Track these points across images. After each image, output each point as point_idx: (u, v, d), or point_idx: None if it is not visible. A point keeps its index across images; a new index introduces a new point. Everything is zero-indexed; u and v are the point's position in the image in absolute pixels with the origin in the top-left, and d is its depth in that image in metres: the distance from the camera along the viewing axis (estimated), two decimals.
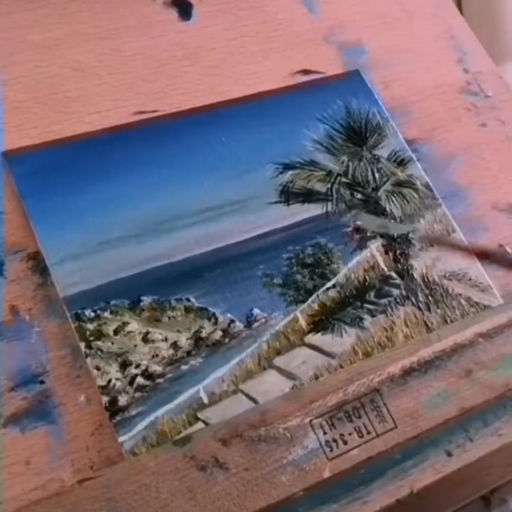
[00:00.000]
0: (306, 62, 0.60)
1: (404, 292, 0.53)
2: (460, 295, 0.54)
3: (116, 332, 0.47)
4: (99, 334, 0.46)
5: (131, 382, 0.46)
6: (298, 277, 0.51)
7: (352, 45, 0.62)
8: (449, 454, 0.48)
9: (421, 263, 0.54)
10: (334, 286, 0.52)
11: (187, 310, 0.49)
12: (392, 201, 0.56)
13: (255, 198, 0.53)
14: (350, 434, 0.47)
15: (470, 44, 0.66)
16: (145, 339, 0.47)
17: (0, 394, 0.43)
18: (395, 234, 0.55)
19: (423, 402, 0.48)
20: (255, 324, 0.49)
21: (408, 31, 0.65)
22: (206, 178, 0.53)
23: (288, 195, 0.54)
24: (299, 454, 0.45)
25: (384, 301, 0.52)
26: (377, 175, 0.57)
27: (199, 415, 0.46)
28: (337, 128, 0.57)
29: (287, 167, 0.55)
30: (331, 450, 0.46)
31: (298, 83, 0.59)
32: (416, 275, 0.54)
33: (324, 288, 0.52)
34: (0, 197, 0.49)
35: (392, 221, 0.55)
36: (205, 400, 0.46)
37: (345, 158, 0.57)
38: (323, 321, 0.51)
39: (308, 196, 0.54)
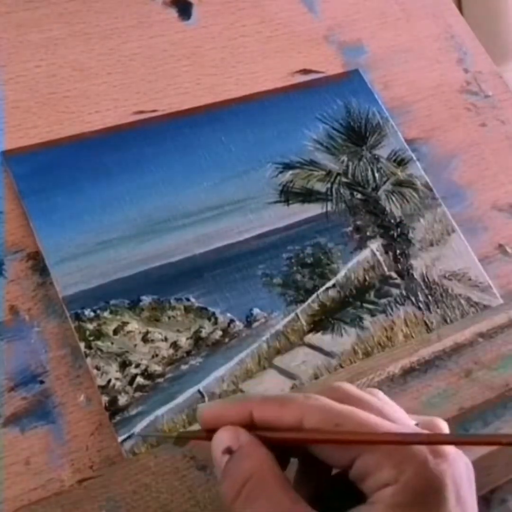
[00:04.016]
0: (306, 62, 0.60)
1: (404, 292, 0.53)
2: (460, 295, 0.54)
3: (115, 332, 0.47)
4: (99, 334, 0.46)
5: (131, 382, 0.45)
6: (298, 277, 0.51)
7: (352, 45, 0.62)
8: None
9: (421, 263, 0.54)
10: (334, 286, 0.52)
11: (187, 309, 0.49)
12: (392, 201, 0.56)
13: (254, 198, 0.53)
14: None
15: (470, 44, 0.66)
16: (145, 339, 0.47)
17: None
18: (395, 234, 0.55)
19: (423, 402, 0.48)
20: (255, 324, 0.49)
21: (408, 31, 0.65)
22: (206, 178, 0.53)
23: (288, 194, 0.54)
24: None
25: (384, 301, 0.52)
26: (377, 175, 0.57)
27: None
28: (337, 127, 0.57)
29: (287, 166, 0.55)
30: None
31: (298, 82, 0.59)
32: (416, 275, 0.53)
33: (324, 288, 0.52)
34: None
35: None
36: (205, 400, 0.46)
37: (345, 157, 0.57)
38: (323, 321, 0.50)
39: (308, 196, 0.54)
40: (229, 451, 0.34)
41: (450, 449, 0.34)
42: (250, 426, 0.35)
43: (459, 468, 0.34)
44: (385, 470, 0.33)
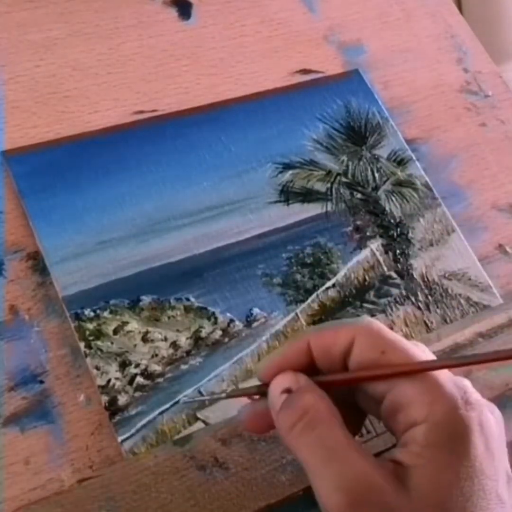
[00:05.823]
0: (306, 62, 0.60)
1: (403, 292, 0.53)
2: (460, 295, 0.54)
3: (115, 331, 0.47)
4: (99, 334, 0.46)
5: (130, 382, 0.45)
6: (298, 276, 0.51)
7: (351, 45, 0.62)
8: None
9: (421, 263, 0.54)
10: (333, 285, 0.52)
11: (187, 309, 0.49)
12: (392, 201, 0.56)
13: (254, 198, 0.53)
14: None
15: (470, 44, 0.66)
16: (145, 339, 0.47)
17: None
18: (395, 234, 0.55)
19: None
20: (255, 324, 0.49)
21: (407, 30, 0.65)
22: (206, 178, 0.53)
23: (287, 194, 0.54)
24: None
25: (383, 300, 0.52)
26: (376, 175, 0.57)
27: (199, 414, 0.46)
28: (336, 127, 0.57)
29: (286, 166, 0.55)
30: None
31: (297, 82, 0.59)
32: (416, 275, 0.53)
33: (323, 287, 0.52)
34: None
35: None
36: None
37: (344, 157, 0.57)
38: (322, 320, 0.50)
39: (307, 195, 0.54)
40: (288, 391, 0.36)
41: (480, 399, 0.35)
42: (307, 371, 0.37)
43: (487, 417, 0.35)
44: (416, 407, 0.34)
